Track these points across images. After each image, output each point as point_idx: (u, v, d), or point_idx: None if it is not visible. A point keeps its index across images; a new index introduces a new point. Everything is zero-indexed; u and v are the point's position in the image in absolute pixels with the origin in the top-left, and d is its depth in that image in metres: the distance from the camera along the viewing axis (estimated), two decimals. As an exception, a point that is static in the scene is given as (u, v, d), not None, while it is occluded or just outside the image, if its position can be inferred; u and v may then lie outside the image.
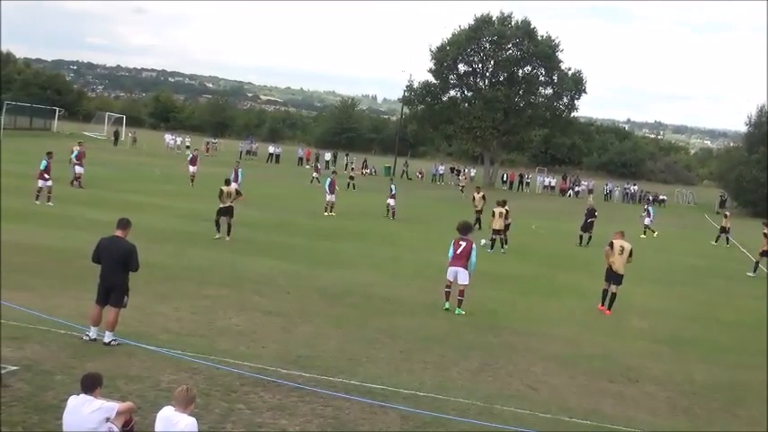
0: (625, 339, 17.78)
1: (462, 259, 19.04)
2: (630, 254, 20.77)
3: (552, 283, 24.67)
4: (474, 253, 19.10)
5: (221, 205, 26.45)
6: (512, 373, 14.08)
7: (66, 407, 8.56)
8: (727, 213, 47.01)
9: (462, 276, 18.93)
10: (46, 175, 30.88)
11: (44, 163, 30.97)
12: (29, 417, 9.79)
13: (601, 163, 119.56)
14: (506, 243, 30.73)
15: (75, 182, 38.10)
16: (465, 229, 19.66)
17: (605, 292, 20.88)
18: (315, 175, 59.36)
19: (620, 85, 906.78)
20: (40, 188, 31.10)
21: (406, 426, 10.93)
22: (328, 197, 37.65)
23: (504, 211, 30.67)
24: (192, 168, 45.86)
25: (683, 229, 53.73)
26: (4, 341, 11.00)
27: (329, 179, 38.61)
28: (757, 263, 32.26)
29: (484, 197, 37.08)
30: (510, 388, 13.22)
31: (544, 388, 13.43)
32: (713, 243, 43.48)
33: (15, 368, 11.38)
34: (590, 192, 75.90)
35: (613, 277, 20.74)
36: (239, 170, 42.22)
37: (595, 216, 36.12)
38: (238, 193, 28.23)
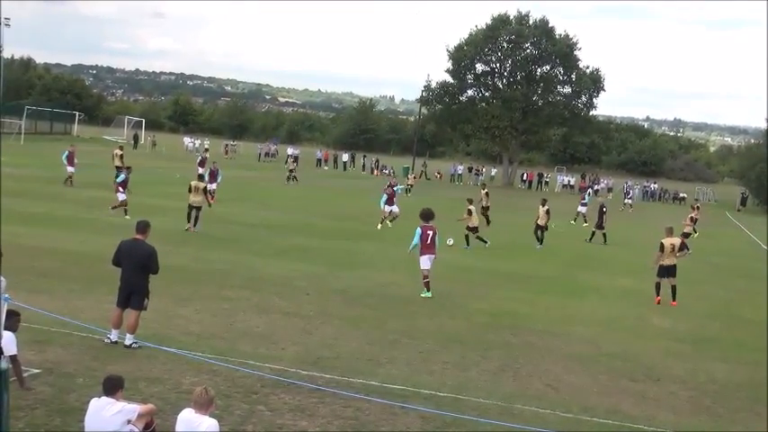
0: (646, 338, 17.68)
1: (433, 247, 20.02)
2: (680, 248, 22.67)
3: (572, 283, 24.57)
4: (438, 239, 20.46)
5: (190, 201, 27.82)
6: (532, 373, 14.05)
7: (87, 409, 8.61)
8: (698, 205, 45.90)
9: (431, 262, 20.03)
10: (120, 189, 30.09)
11: (122, 177, 30.24)
12: (51, 419, 9.86)
13: (620, 161, 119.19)
14: (468, 242, 30.41)
15: (68, 181, 38.81)
16: (429, 217, 20.38)
17: (658, 285, 22.18)
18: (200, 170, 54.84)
19: (639, 83, 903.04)
20: (122, 202, 29.95)
21: (427, 426, 10.92)
22: (388, 208, 34.46)
23: (547, 210, 32.65)
24: (201, 170, 45.70)
25: (704, 227, 53.37)
26: (26, 344, 11.08)
27: (385, 195, 35.08)
28: None
29: (488, 194, 39.65)
30: (530, 388, 13.18)
31: (565, 387, 13.39)
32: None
33: (38, 371, 11.47)
34: (609, 190, 75.70)
35: (668, 270, 22.13)
36: (218, 171, 38.35)
37: (605, 211, 36.23)
38: (206, 191, 29.29)
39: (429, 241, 19.94)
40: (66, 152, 39.83)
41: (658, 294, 21.97)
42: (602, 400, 12.89)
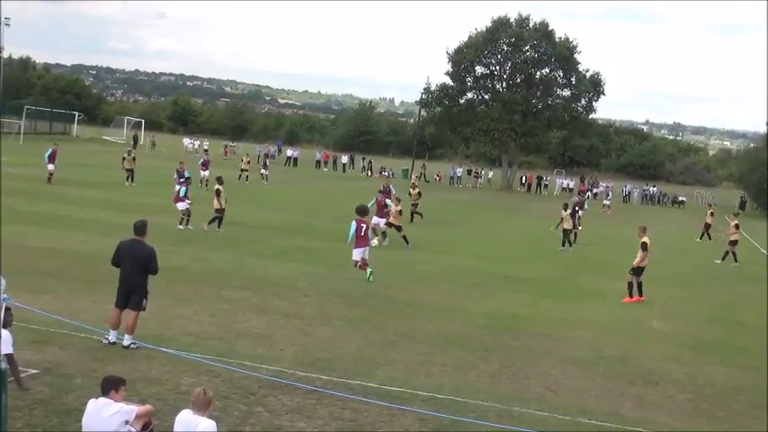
0: (645, 342, 17.67)
1: (366, 240, 21.98)
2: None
3: (572, 286, 24.56)
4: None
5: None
6: (531, 376, 14.03)
7: (85, 410, 8.60)
8: (712, 211, 46.28)
9: (362, 254, 21.76)
10: (186, 200, 29.66)
11: (183, 190, 29.50)
12: (49, 420, 9.84)
13: (619, 165, 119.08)
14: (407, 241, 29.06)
15: (50, 179, 39.13)
16: (363, 212, 22.39)
17: (637, 285, 22.49)
18: (263, 172, 55.49)
19: (638, 86, 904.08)
20: (184, 212, 29.15)
21: (425, 428, 10.91)
22: (377, 220, 29.34)
23: (570, 213, 33.32)
24: (203, 173, 46.02)
25: (702, 230, 53.33)
26: (25, 344, 11.07)
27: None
28: None
29: (420, 194, 39.41)
30: (529, 390, 13.17)
31: (564, 390, 13.38)
32: (697, 240, 43.11)
33: (36, 371, 11.45)
34: (607, 196, 75.67)
35: (641, 270, 22.53)
36: (185, 172, 36.82)
37: (577, 210, 36.61)
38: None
39: (363, 234, 21.77)
40: (50, 150, 40.03)
41: (632, 295, 22.33)
42: (601, 403, 12.88)
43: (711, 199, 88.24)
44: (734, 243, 34.14)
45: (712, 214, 44.73)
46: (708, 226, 43.37)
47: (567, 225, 33.30)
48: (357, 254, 21.83)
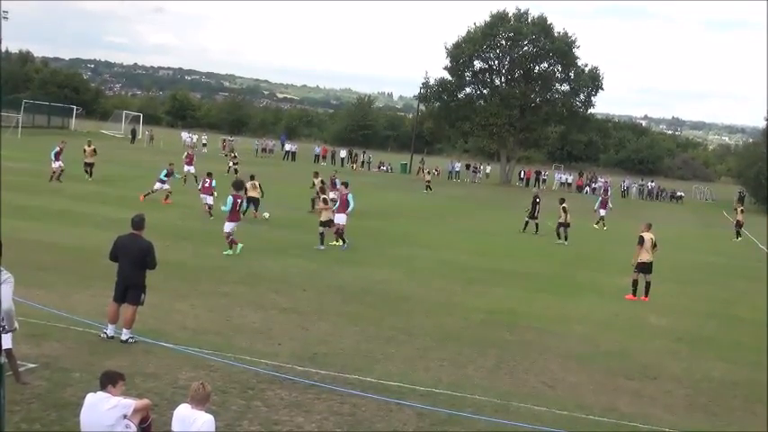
0: (643, 337, 17.70)
1: (238, 214, 23.66)
2: (655, 245, 22.33)
3: (570, 282, 24.59)
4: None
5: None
6: (528, 371, 14.06)
7: (84, 404, 8.61)
8: (742, 208, 46.78)
9: (232, 227, 23.11)
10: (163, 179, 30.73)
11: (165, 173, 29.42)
12: (47, 414, 9.85)
13: (618, 160, 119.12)
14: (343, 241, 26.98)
15: (53, 176, 38.17)
16: (239, 187, 24.54)
17: (636, 282, 22.09)
18: (190, 168, 47.02)
19: (637, 82, 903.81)
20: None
21: (423, 423, 10.93)
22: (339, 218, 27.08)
23: (564, 207, 33.68)
24: (187, 168, 44.69)
25: (702, 226, 53.47)
26: (23, 339, 11.08)
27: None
28: None
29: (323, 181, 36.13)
30: (526, 385, 13.19)
31: (561, 385, 13.40)
32: (735, 240, 43.16)
33: (34, 365, 11.46)
34: (605, 191, 75.63)
35: (645, 268, 22.05)
36: (174, 172, 37.01)
37: (538, 202, 36.68)
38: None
39: (237, 209, 23.43)
40: (57, 147, 39.31)
41: (635, 292, 22.09)
42: (598, 398, 12.90)
43: (709, 194, 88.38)
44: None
45: (742, 211, 44.94)
46: (740, 224, 43.45)
47: (562, 219, 33.67)
48: (229, 227, 23.08)
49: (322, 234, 25.87)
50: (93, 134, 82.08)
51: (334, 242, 26.54)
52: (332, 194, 29.84)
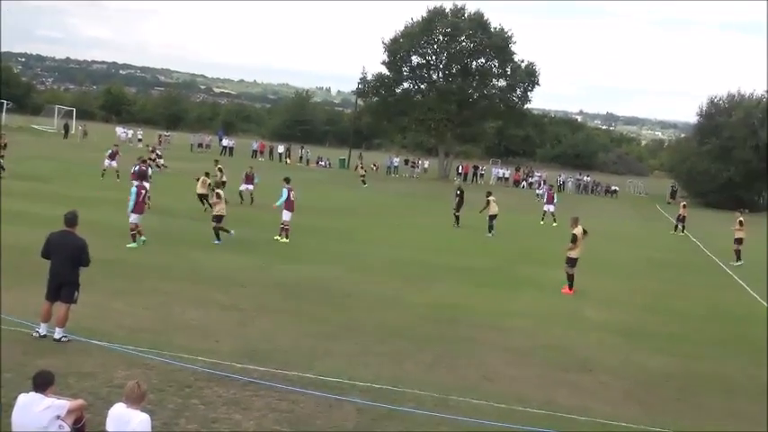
0: (581, 330, 17.89)
1: (143, 205, 23.70)
2: (585, 232, 22.77)
3: (511, 276, 24.78)
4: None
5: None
6: (468, 365, 14.12)
7: (15, 405, 8.40)
8: (684, 203, 47.76)
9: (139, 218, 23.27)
10: None
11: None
12: (-23, 416, 9.59)
13: (554, 154, 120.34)
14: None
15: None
16: (143, 177, 26.29)
17: (572, 276, 22.47)
18: (112, 163, 44.24)
19: (572, 77, 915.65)
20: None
21: (362, 418, 10.90)
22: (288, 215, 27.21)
23: (493, 200, 34.76)
24: (109, 163, 43.55)
25: (637, 220, 54.33)
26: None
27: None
28: (738, 251, 32.93)
29: (221, 170, 37.06)
30: (466, 379, 13.24)
31: (500, 379, 13.49)
32: (672, 233, 43.90)
33: (-37, 366, 11.15)
34: (543, 182, 76.46)
35: (575, 261, 22.48)
36: (255, 175, 38.37)
37: (459, 195, 37.24)
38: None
39: (141, 200, 23.34)
40: None
41: (571, 286, 22.40)
42: (537, 391, 13.01)
43: (643, 188, 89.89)
44: (739, 241, 33.21)
45: (685, 206, 45.76)
46: (681, 218, 44.14)
47: (494, 211, 34.62)
48: (136, 218, 23.11)
49: (216, 229, 25.38)
50: (24, 129, 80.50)
51: (279, 237, 26.60)
52: (242, 187, 33.30)
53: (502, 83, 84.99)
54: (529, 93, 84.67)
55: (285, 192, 27.17)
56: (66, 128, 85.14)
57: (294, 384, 11.84)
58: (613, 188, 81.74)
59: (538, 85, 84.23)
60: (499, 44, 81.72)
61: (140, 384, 8.16)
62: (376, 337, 15.35)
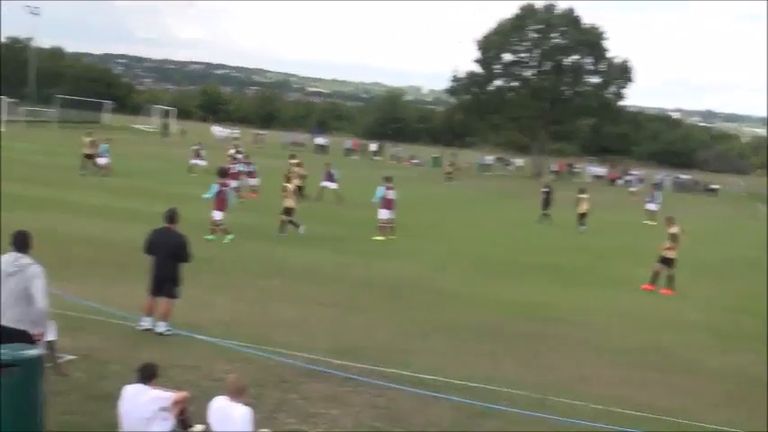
0: (679, 331, 17.54)
1: (225, 202, 23.59)
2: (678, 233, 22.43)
3: (601, 274, 24.45)
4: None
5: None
6: (563, 365, 13.99)
7: (122, 396, 8.67)
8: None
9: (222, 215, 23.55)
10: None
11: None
12: (86, 405, 9.94)
13: (651, 152, 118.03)
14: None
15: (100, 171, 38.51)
16: (224, 174, 24.85)
17: (657, 274, 22.05)
18: (198, 161, 45.65)
19: (669, 74, 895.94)
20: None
21: (458, 416, 10.90)
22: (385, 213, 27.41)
23: (585, 197, 34.91)
24: (195, 160, 44.89)
25: (735, 219, 52.90)
26: (61, 331, 11.16)
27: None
28: None
29: (299, 164, 36.10)
30: (562, 379, 13.11)
31: (596, 379, 13.32)
32: None
33: (73, 357, 11.55)
34: (640, 181, 75.07)
35: (668, 261, 22.02)
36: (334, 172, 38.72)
37: (548, 193, 37.20)
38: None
39: (223, 196, 23.49)
40: (105, 145, 39.34)
41: (654, 284, 21.97)
42: (635, 392, 12.80)
43: (744, 187, 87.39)
44: None
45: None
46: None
47: (585, 208, 34.79)
48: (218, 215, 23.56)
49: (283, 222, 25.77)
50: (125, 128, 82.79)
51: (379, 237, 26.74)
52: (324, 184, 34.04)
53: (595, 79, 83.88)
54: (623, 89, 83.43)
55: (380, 190, 27.34)
56: (165, 127, 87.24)
57: (390, 381, 11.91)
58: (712, 186, 79.75)
59: (632, 81, 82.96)
60: (592, 40, 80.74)
61: (241, 378, 8.36)
62: (470, 336, 15.34)
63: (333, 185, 37.46)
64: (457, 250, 26.36)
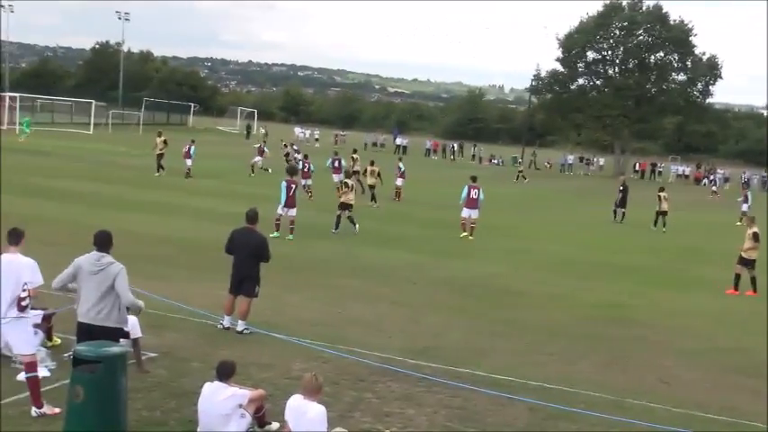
0: (759, 333, 17.06)
1: (293, 199, 23.83)
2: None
3: (679, 275, 24.00)
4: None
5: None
6: (642, 367, 13.78)
7: (201, 393, 8.87)
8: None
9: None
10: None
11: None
12: (167, 402, 10.17)
13: (738, 151, 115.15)
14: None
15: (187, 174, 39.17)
16: (293, 172, 25.18)
17: (738, 276, 21.40)
18: (257, 159, 46.63)
19: (758, 70, 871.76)
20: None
21: (534, 418, 10.84)
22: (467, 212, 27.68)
23: (665, 196, 34.38)
24: (257, 158, 45.72)
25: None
26: (144, 329, 11.44)
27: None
28: None
29: (376, 173, 35.38)
30: (641, 382, 12.92)
31: (677, 382, 13.09)
32: None
33: (155, 355, 11.84)
34: (726, 180, 73.36)
35: (748, 262, 21.38)
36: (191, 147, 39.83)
37: (624, 191, 36.54)
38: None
39: (291, 194, 23.67)
40: (187, 146, 40.05)
41: (737, 287, 21.35)
42: (717, 395, 12.54)
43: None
44: None
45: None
46: None
47: (664, 207, 34.19)
48: (292, 212, 23.78)
49: (339, 216, 25.80)
50: (210, 130, 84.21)
51: (465, 234, 27.03)
52: (398, 182, 35.81)
53: (682, 77, 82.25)
54: (710, 86, 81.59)
55: (465, 189, 27.55)
56: (249, 128, 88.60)
57: (465, 381, 11.89)
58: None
59: (720, 78, 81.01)
60: (679, 37, 79.18)
61: (317, 377, 8.44)
62: (545, 336, 15.23)
63: (400, 182, 37.97)
64: (531, 249, 26.19)
